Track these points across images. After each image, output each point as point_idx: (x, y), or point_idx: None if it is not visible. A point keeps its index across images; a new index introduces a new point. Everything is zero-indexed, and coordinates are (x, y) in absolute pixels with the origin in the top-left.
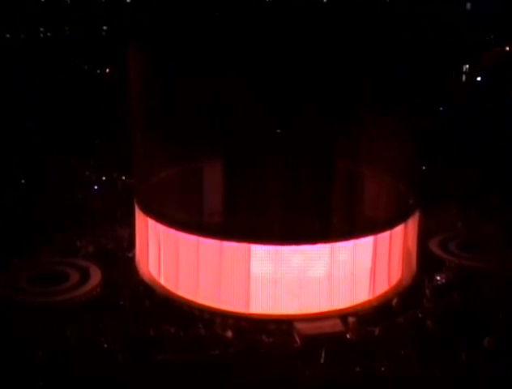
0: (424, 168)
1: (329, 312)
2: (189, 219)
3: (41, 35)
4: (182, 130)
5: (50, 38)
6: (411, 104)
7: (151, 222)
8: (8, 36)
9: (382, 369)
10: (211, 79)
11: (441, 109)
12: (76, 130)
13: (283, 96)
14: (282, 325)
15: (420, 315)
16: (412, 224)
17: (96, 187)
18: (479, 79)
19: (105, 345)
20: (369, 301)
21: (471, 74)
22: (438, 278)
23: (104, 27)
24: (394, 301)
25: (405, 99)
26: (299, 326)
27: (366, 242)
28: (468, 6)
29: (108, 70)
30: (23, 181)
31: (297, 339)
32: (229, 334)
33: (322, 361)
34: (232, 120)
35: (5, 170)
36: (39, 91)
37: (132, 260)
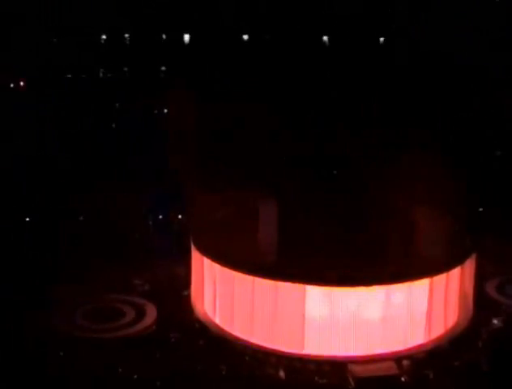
0: (481, 209)
1: (383, 354)
2: (245, 259)
3: (101, 75)
4: (237, 171)
5: (110, 79)
6: (468, 143)
7: (206, 261)
8: (69, 76)
9: None
10: (265, 120)
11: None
12: (134, 170)
13: (338, 137)
14: (336, 366)
15: (475, 359)
16: (469, 266)
17: (151, 225)
18: None
19: (158, 383)
20: (424, 344)
21: None
22: (495, 322)
23: (163, 68)
24: (450, 345)
25: (462, 138)
26: (353, 368)
27: (422, 285)
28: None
29: (165, 111)
30: (81, 218)
31: (351, 381)
32: (282, 374)
33: None
34: (287, 160)
35: (64, 207)
36: (97, 130)
37: (187, 299)
